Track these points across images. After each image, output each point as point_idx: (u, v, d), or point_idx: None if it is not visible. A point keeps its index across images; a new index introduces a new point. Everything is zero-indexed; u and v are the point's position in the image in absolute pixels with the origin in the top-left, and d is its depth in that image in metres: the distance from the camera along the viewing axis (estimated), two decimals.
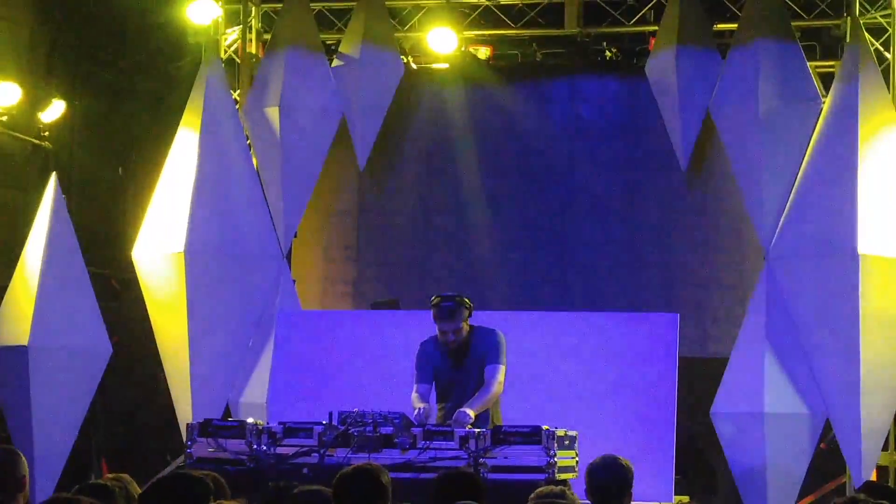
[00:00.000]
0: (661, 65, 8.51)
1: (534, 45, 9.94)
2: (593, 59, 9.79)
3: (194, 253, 8.27)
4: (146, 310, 8.58)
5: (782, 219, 8.06)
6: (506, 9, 9.70)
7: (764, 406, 7.72)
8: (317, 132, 8.78)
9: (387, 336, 7.41)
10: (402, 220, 10.00)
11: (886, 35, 8.82)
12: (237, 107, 9.03)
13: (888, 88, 8.34)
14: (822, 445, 8.08)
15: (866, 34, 8.46)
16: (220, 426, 5.97)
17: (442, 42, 9.52)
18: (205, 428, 5.93)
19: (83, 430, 8.37)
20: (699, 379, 8.22)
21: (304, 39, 8.84)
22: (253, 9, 9.65)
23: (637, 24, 9.53)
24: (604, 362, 7.07)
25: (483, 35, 9.87)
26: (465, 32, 9.70)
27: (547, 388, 6.99)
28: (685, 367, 7.32)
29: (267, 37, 9.52)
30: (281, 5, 9.14)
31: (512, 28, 9.78)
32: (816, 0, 9.18)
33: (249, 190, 8.64)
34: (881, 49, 8.81)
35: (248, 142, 8.90)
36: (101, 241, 9.80)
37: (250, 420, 5.94)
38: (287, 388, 7.55)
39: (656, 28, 8.94)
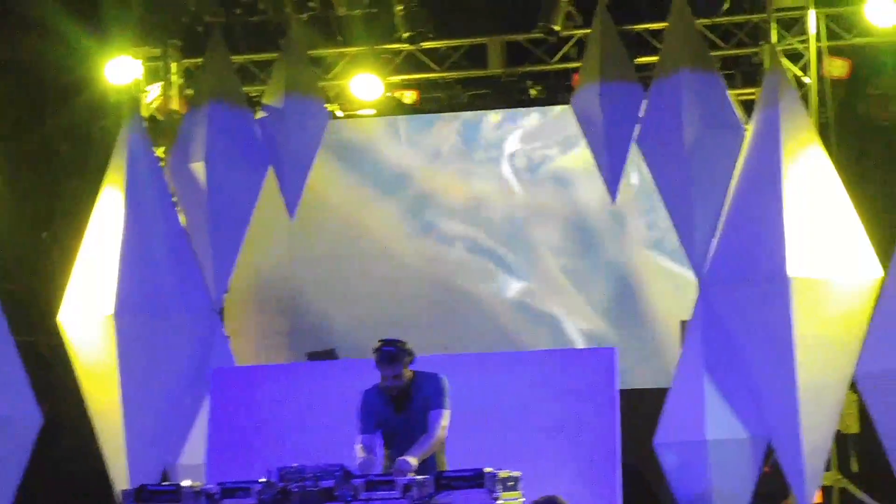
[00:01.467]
0: (586, 100, 8.57)
1: (459, 87, 9.99)
2: (519, 97, 9.84)
3: (124, 315, 8.11)
4: (76, 376, 8.38)
5: (713, 246, 8.12)
6: (429, 52, 9.74)
7: (706, 433, 7.74)
8: (244, 185, 8.69)
9: (324, 387, 7.30)
10: (335, 269, 9.92)
11: (804, 60, 8.99)
12: (161, 164, 8.93)
13: (808, 112, 8.48)
14: (765, 469, 8.10)
15: (784, 60, 8.61)
16: (155, 491, 5.84)
17: (367, 89, 9.52)
18: (139, 494, 5.80)
19: (17, 502, 8.11)
20: (641, 411, 8.21)
21: (226, 93, 8.77)
22: (173, 65, 9.58)
23: (560, 61, 9.62)
24: (544, 400, 7.03)
25: (408, 79, 9.89)
26: (389, 78, 9.71)
27: (487, 429, 6.92)
28: (626, 400, 7.31)
29: (189, 92, 9.45)
30: (202, 60, 9.08)
31: (436, 71, 9.82)
32: (734, 29, 9.34)
33: (178, 247, 8.51)
34: (799, 74, 8.98)
35: (174, 199, 8.79)
36: (26, 307, 9.59)
37: (186, 483, 5.80)
38: (225, 447, 7.40)
39: (579, 65, 9.02)
